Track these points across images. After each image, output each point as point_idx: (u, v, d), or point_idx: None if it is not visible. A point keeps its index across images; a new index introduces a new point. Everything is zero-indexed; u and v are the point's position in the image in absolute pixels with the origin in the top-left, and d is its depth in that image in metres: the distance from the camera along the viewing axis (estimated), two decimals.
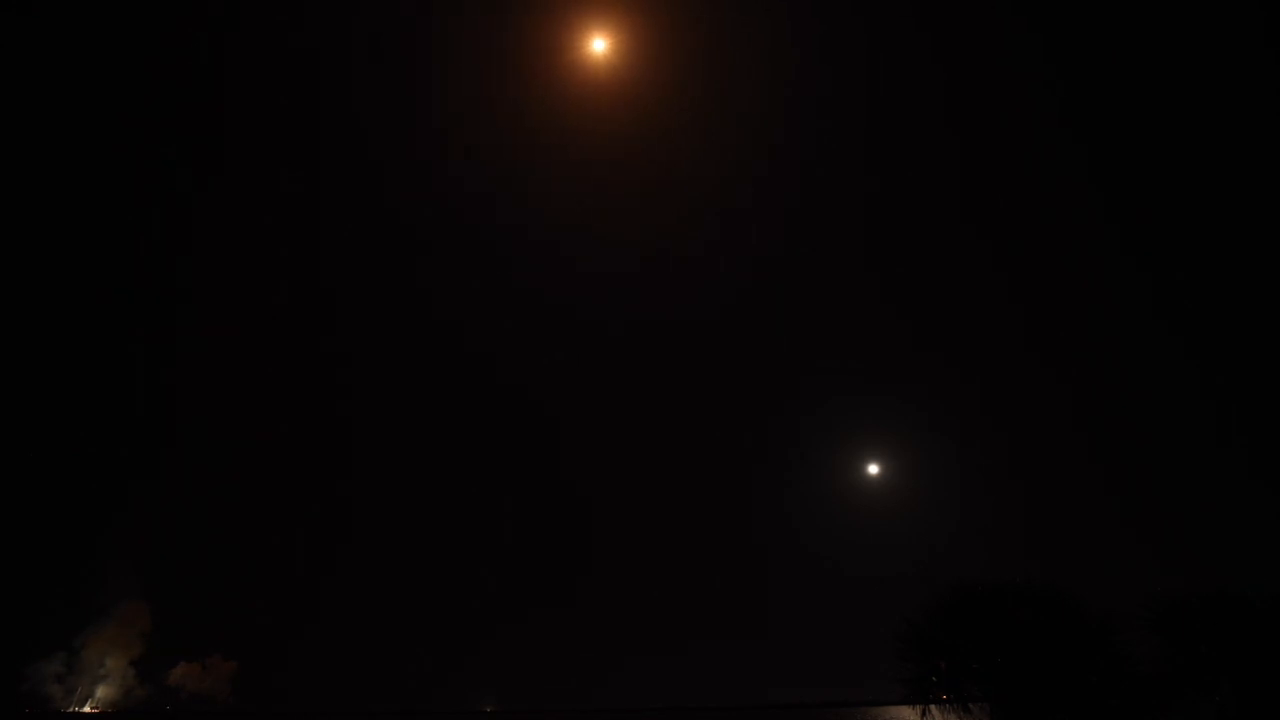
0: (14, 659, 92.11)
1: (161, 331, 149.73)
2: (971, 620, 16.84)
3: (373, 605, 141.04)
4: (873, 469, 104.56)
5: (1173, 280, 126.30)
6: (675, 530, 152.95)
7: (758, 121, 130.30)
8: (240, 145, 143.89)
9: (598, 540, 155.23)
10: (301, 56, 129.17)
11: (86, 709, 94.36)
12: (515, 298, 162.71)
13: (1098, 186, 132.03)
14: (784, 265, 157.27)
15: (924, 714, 16.63)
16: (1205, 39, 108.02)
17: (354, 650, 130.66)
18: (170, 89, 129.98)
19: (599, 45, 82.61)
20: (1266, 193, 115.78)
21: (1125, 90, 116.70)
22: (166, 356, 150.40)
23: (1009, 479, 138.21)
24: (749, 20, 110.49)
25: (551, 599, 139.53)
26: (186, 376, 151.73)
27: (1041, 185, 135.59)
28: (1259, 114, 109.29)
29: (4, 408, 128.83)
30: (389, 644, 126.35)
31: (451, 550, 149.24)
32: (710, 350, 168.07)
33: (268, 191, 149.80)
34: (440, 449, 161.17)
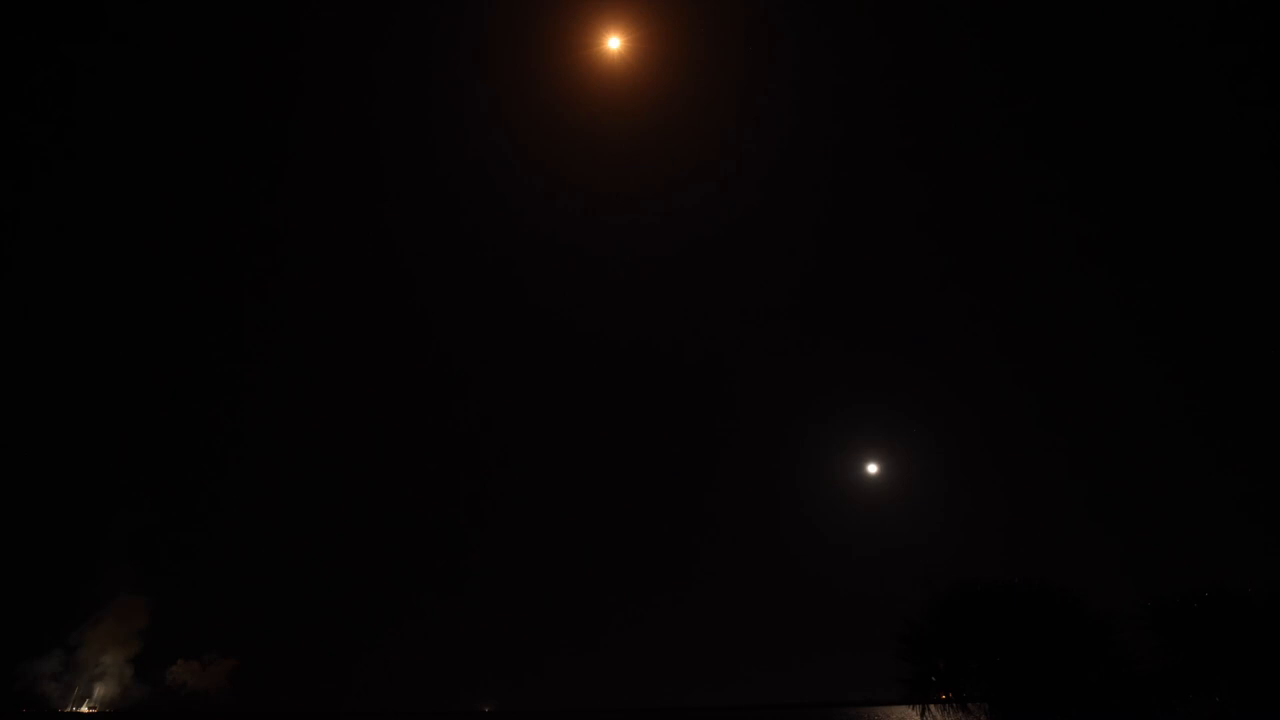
0: (11, 658, 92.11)
1: (161, 329, 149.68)
2: (970, 620, 16.85)
3: (372, 604, 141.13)
4: (871, 468, 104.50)
5: (1167, 283, 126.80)
6: (673, 531, 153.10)
7: (763, 118, 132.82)
8: (285, 147, 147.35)
9: (595, 538, 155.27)
10: (334, 65, 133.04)
11: (84, 709, 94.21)
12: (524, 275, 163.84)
13: (1088, 194, 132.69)
14: (787, 265, 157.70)
15: (923, 713, 16.64)
16: (1168, 44, 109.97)
17: (354, 650, 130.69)
18: (241, 97, 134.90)
19: (614, 43, 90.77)
20: (1242, 193, 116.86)
21: (1101, 94, 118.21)
22: (169, 355, 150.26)
23: (1010, 482, 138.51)
24: (756, 20, 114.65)
25: (549, 597, 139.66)
26: (186, 374, 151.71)
27: (1038, 191, 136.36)
28: (1227, 114, 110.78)
29: (4, 403, 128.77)
30: (389, 643, 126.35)
31: (450, 549, 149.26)
32: (712, 349, 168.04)
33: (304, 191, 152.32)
34: (437, 446, 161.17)
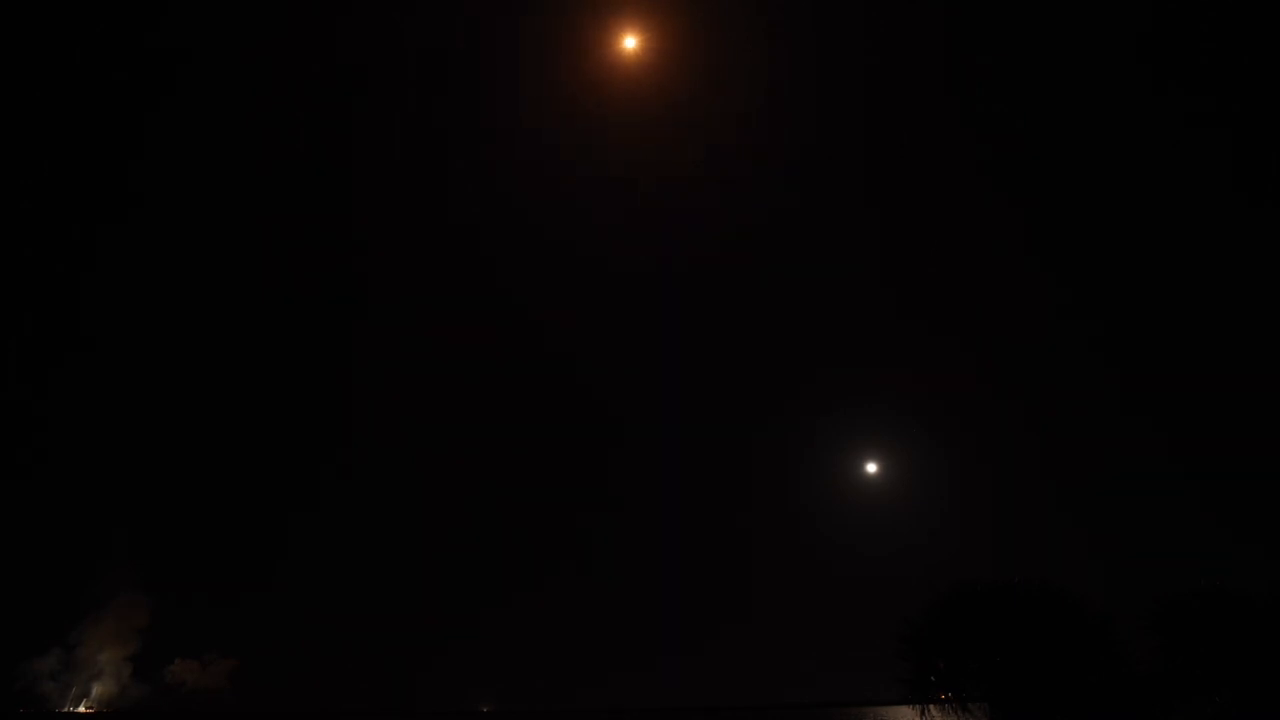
0: (9, 657, 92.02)
1: (165, 328, 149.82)
2: (970, 619, 16.82)
3: (371, 603, 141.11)
4: (871, 468, 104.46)
5: (1169, 284, 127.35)
6: (672, 528, 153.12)
7: (775, 116, 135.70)
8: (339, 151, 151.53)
9: (595, 534, 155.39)
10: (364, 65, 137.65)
11: (82, 709, 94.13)
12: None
13: (1084, 203, 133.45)
14: (791, 263, 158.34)
15: (923, 713, 16.61)
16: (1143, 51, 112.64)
17: (353, 649, 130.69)
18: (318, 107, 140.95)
19: (630, 43, 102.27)
20: (1221, 195, 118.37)
21: (1086, 103, 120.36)
22: (169, 352, 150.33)
23: (1010, 481, 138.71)
24: (768, 18, 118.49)
25: (550, 597, 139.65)
26: (186, 373, 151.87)
27: (1033, 200, 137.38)
28: (1194, 118, 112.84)
29: (5, 402, 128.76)
30: (387, 642, 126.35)
31: (451, 547, 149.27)
32: (716, 350, 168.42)
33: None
34: (432, 441, 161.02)
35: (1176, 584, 16.54)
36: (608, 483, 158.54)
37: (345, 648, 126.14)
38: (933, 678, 16.69)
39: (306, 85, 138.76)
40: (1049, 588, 16.94)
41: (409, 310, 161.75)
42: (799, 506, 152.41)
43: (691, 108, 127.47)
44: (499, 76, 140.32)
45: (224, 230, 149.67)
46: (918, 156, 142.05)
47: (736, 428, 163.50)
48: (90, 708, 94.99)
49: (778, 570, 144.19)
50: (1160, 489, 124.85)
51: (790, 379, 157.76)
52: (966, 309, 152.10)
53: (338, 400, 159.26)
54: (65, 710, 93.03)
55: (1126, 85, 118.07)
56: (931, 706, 16.63)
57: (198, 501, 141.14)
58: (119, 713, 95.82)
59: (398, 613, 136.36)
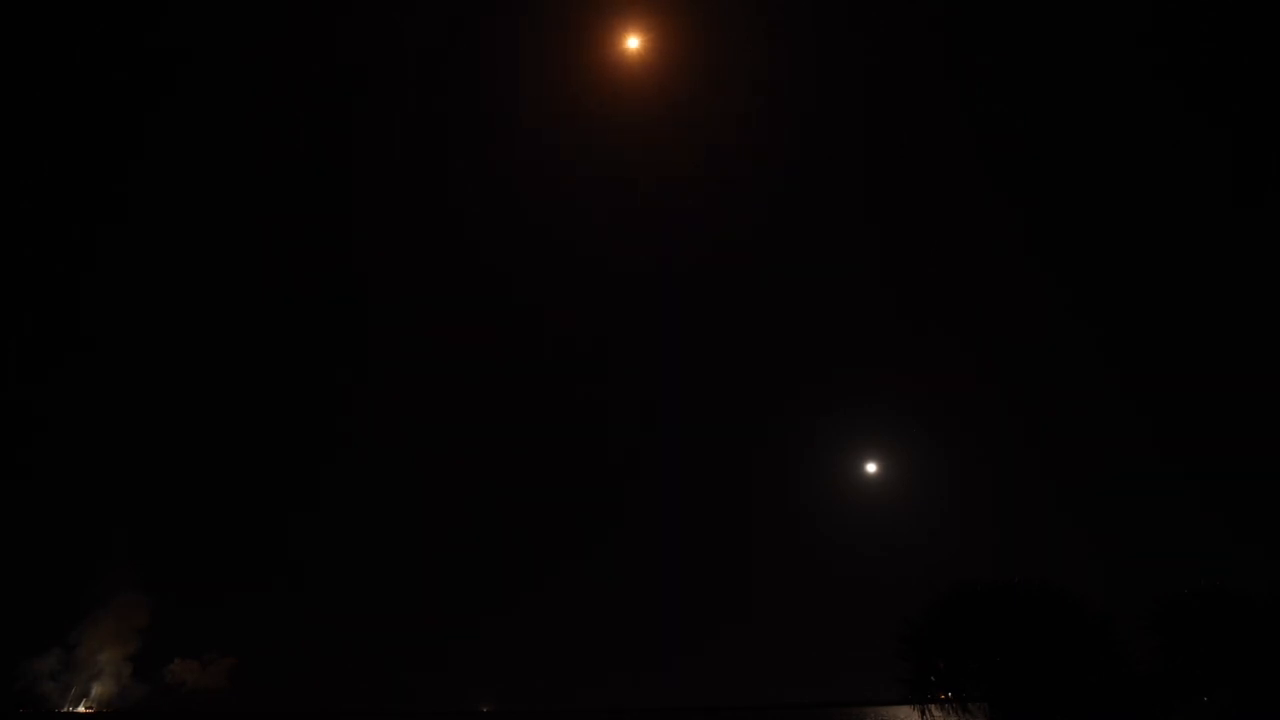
0: (9, 657, 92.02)
1: (165, 327, 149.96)
2: (970, 620, 16.83)
3: (371, 603, 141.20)
4: (871, 468, 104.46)
5: (1173, 286, 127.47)
6: (672, 528, 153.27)
7: (778, 116, 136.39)
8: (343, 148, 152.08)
9: (595, 534, 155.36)
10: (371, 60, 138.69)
11: (82, 709, 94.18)
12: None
13: (1085, 211, 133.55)
14: (790, 266, 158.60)
15: (923, 713, 16.62)
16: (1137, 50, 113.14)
17: (353, 649, 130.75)
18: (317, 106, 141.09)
19: (633, 43, 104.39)
20: (1218, 195, 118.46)
21: (1080, 109, 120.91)
22: (169, 350, 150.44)
23: (1010, 481, 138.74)
24: (770, 18, 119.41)
25: (550, 597, 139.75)
26: (185, 372, 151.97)
27: (1039, 208, 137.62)
28: (1188, 119, 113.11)
29: (6, 402, 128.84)
30: (387, 642, 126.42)
31: (451, 548, 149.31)
32: (716, 350, 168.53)
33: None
34: (432, 441, 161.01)
35: (1176, 584, 16.58)
36: (608, 483, 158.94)
37: (345, 648, 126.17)
38: (933, 678, 16.70)
39: (306, 85, 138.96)
40: (1049, 588, 16.94)
41: (409, 310, 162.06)
42: (799, 506, 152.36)
43: (691, 108, 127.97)
44: (499, 76, 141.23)
45: (224, 230, 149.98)
46: (918, 156, 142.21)
47: (737, 428, 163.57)
48: (90, 708, 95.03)
49: (778, 570, 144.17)
50: (1160, 489, 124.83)
51: (790, 379, 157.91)
52: (966, 309, 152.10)
53: (338, 400, 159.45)
54: (65, 710, 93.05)
55: (1126, 85, 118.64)
56: (931, 706, 16.65)
57: (197, 501, 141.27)
58: (119, 713, 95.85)
59: (398, 613, 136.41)
